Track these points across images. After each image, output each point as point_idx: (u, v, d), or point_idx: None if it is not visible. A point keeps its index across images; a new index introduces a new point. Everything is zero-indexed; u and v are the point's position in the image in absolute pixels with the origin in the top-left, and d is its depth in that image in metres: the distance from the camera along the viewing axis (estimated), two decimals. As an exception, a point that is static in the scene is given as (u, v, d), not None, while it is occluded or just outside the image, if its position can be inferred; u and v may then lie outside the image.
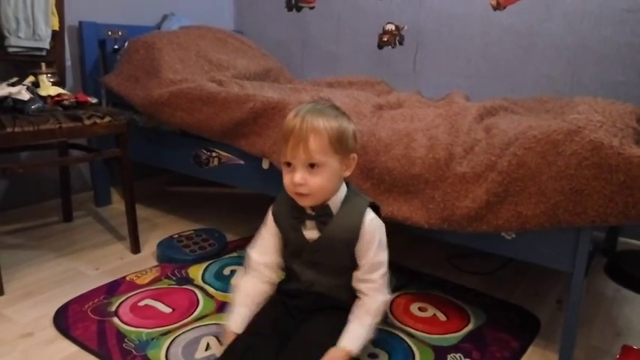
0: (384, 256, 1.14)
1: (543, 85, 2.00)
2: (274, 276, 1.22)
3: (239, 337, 1.11)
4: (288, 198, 1.15)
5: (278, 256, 1.21)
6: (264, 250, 1.21)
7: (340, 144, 1.08)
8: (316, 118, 1.06)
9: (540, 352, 1.27)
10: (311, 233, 1.14)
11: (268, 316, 1.15)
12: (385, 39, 2.36)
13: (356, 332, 1.09)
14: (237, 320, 1.14)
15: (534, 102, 1.73)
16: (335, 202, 1.13)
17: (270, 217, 1.22)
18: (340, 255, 1.14)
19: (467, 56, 2.16)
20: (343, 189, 1.15)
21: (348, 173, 1.14)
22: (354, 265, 1.15)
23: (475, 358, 1.21)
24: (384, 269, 1.14)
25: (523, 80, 2.05)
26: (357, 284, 1.15)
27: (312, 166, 1.06)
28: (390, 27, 2.34)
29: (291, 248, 1.19)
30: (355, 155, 1.14)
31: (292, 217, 1.15)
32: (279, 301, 1.19)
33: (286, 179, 1.10)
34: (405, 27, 2.30)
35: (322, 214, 1.12)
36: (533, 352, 1.26)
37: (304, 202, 1.11)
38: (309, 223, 1.14)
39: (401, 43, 2.33)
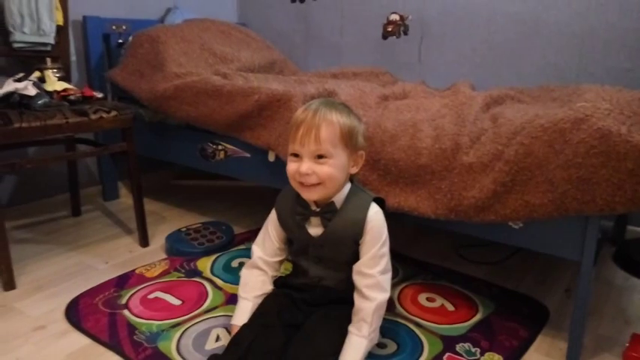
0: (386, 251, 1.11)
1: (549, 73, 1.98)
2: (274, 272, 1.23)
3: (244, 328, 1.11)
4: (292, 194, 1.14)
5: (280, 255, 1.22)
6: (267, 251, 1.22)
7: (350, 139, 1.08)
8: (329, 111, 1.06)
9: (549, 341, 1.27)
10: (316, 230, 1.14)
11: (273, 307, 1.15)
12: (389, 29, 2.35)
13: (356, 346, 1.06)
14: (241, 315, 1.16)
15: (541, 90, 1.72)
16: (339, 198, 1.12)
17: (274, 215, 1.22)
18: (346, 249, 1.13)
19: (472, 45, 2.15)
20: (347, 185, 1.14)
21: (355, 170, 1.13)
22: (357, 260, 1.15)
23: (484, 348, 1.21)
24: (384, 265, 1.10)
25: (529, 68, 2.03)
26: (355, 277, 1.11)
27: (319, 157, 1.05)
28: (395, 17, 2.32)
29: (298, 245, 1.19)
30: (363, 152, 1.14)
31: (296, 213, 1.14)
32: (283, 294, 1.19)
33: (291, 168, 1.08)
34: (410, 17, 2.29)
35: (327, 210, 1.11)
36: (542, 340, 1.27)
37: (310, 195, 1.09)
38: (313, 219, 1.14)
39: (405, 33, 2.32)
